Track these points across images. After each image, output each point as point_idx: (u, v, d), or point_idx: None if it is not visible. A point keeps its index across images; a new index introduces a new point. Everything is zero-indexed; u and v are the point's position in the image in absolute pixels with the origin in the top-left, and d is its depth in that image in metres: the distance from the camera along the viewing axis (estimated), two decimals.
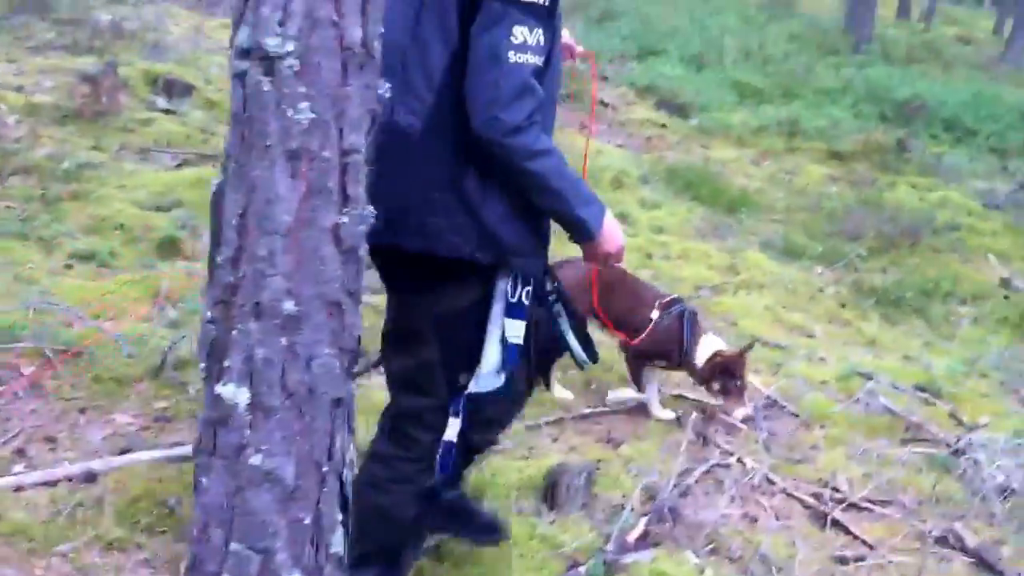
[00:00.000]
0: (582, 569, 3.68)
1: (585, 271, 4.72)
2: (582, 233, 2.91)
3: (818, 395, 5.82)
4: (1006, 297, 8.43)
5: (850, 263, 8.68)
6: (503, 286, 2.92)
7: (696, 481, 4.68)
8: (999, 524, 4.60)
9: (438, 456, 3.04)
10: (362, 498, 2.88)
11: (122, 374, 4.73)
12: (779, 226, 9.45)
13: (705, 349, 5.10)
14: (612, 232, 2.96)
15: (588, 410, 5.25)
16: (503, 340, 2.93)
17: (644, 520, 4.13)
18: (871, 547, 4.37)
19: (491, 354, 2.95)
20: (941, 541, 4.44)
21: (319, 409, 2.41)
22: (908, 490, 4.87)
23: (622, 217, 8.58)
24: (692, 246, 8.25)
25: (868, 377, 6.14)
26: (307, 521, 2.44)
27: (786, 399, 5.73)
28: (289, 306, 2.32)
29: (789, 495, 4.71)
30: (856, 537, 4.44)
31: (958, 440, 5.34)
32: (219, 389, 2.36)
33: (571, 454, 4.71)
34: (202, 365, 2.43)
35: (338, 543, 2.52)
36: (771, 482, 4.79)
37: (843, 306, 7.74)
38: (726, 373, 5.07)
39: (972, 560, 4.28)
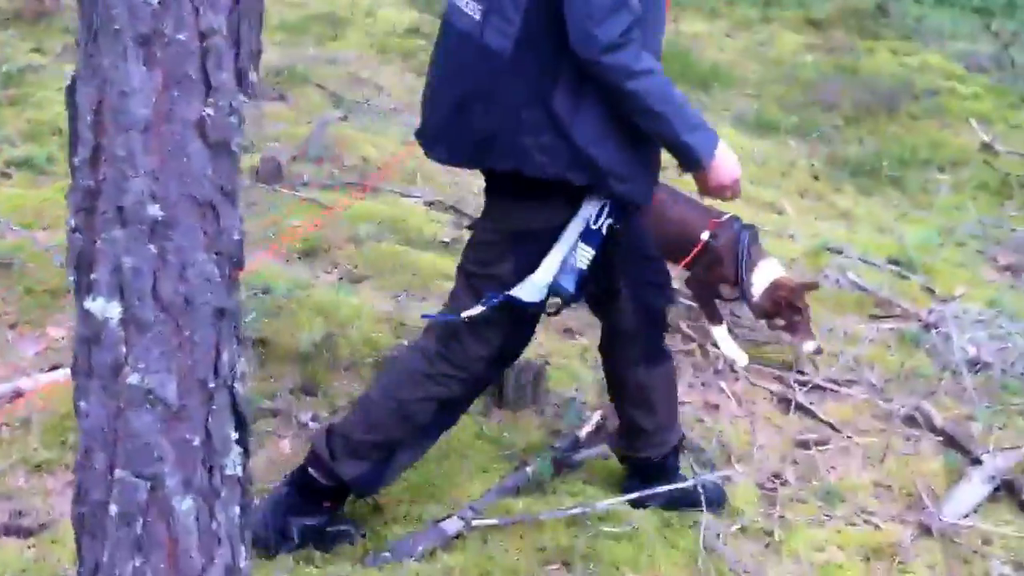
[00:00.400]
0: (529, 469, 3.52)
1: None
2: (689, 161, 2.82)
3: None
4: (986, 162, 8.19)
5: (825, 134, 8.41)
6: (589, 210, 2.89)
7: None
8: (969, 400, 4.45)
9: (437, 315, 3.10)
10: (390, 385, 3.05)
11: (55, 286, 4.51)
12: (752, 100, 9.14)
13: (763, 277, 4.51)
14: (725, 162, 2.87)
15: None
16: (566, 260, 2.91)
17: (598, 414, 3.97)
18: (836, 429, 4.23)
19: (547, 266, 2.93)
20: (908, 420, 4.30)
21: (199, 321, 2.20)
22: (875, 368, 4.71)
23: None
24: None
25: (838, 252, 5.94)
26: (196, 443, 2.24)
27: None
28: (155, 210, 2.09)
29: (752, 381, 4.55)
30: (820, 420, 4.29)
31: (929, 313, 5.17)
32: (88, 304, 2.15)
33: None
34: (70, 278, 2.21)
35: (234, 464, 2.33)
36: (733, 368, 4.62)
37: (816, 179, 7.51)
38: (788, 307, 4.49)
39: (940, 439, 4.13)
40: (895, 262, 6.00)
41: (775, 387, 4.50)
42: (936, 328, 5.03)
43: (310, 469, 3.09)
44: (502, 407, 3.97)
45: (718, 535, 3.42)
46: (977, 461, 3.93)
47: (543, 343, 4.57)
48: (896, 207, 7.29)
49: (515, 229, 2.95)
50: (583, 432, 3.84)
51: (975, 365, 4.69)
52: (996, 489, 3.85)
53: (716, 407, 4.31)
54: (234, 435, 2.35)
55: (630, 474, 3.53)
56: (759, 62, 10.31)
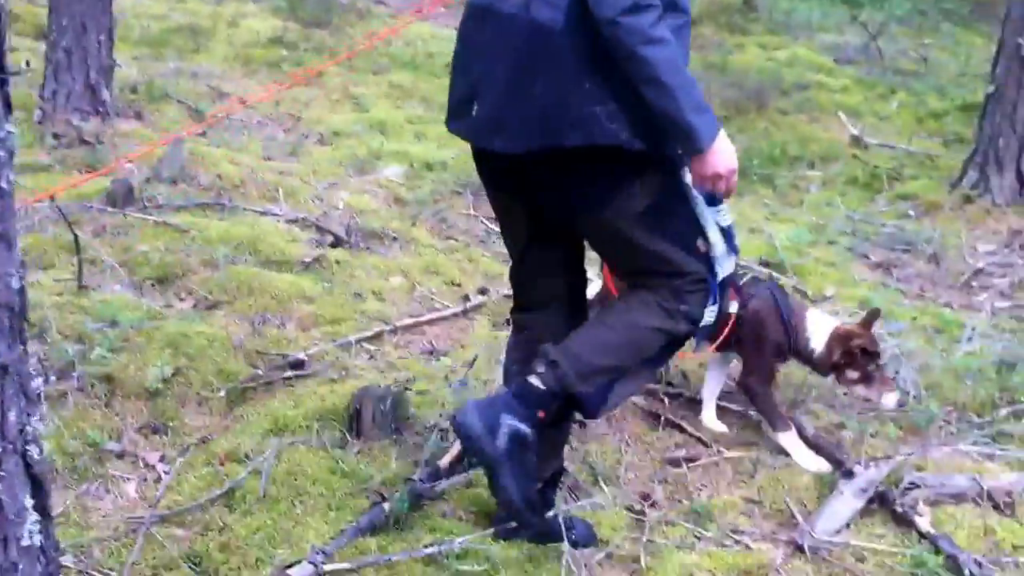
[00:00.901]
0: (386, 505, 3.35)
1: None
2: (690, 142, 2.75)
3: None
4: (855, 156, 8.27)
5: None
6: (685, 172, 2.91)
7: None
8: (840, 407, 4.41)
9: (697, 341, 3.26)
10: (624, 312, 3.01)
11: None
12: None
13: (818, 329, 4.02)
14: (724, 150, 2.79)
15: (410, 320, 4.88)
16: (719, 225, 2.96)
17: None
18: (706, 444, 4.13)
19: (716, 239, 2.97)
20: None
21: None
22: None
23: None
24: None
25: None
26: None
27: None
28: None
29: None
30: (691, 435, 4.20)
31: None
32: None
33: (389, 372, 4.35)
34: None
35: (31, 534, 2.12)
36: None
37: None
38: (863, 355, 3.97)
39: (810, 448, 4.06)
40: (766, 263, 5.98)
41: (644, 401, 4.39)
42: None
43: (538, 375, 2.99)
44: (360, 437, 3.79)
45: (584, 565, 3.29)
46: (849, 473, 3.87)
47: (404, 366, 4.40)
48: (767, 206, 7.29)
49: (635, 212, 2.87)
50: (445, 460, 3.68)
51: None
52: (870, 502, 3.79)
53: (584, 425, 4.19)
54: (30, 502, 2.15)
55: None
56: None
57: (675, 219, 2.94)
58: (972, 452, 4.10)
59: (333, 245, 5.49)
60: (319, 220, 5.71)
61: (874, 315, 4.05)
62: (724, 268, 3.02)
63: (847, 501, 3.74)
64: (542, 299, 3.21)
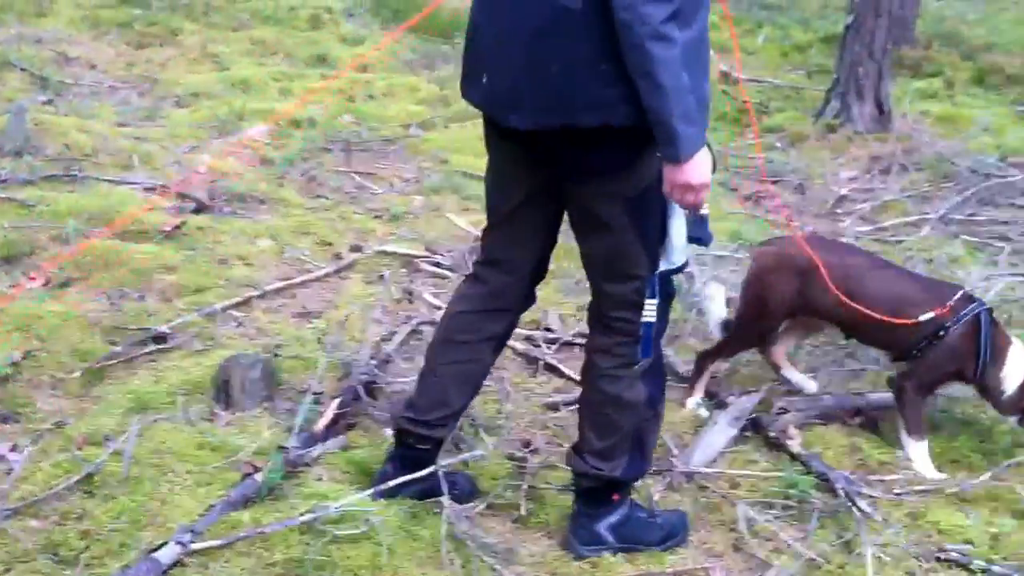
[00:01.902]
0: (258, 476, 3.26)
1: (802, 253, 3.73)
2: (671, 148, 2.69)
3: None
4: (724, 92, 8.34)
5: None
6: None
7: (401, 345, 4.30)
8: (713, 342, 4.44)
9: (640, 341, 3.06)
10: (595, 392, 3.11)
11: None
12: None
13: (1018, 369, 3.72)
14: (701, 164, 2.75)
15: (280, 283, 4.76)
16: (688, 214, 2.99)
17: (336, 403, 3.74)
18: None
19: (679, 228, 3.02)
20: None
21: None
22: None
23: (320, 59, 7.98)
24: (399, 81, 7.74)
25: None
26: None
27: None
28: None
29: None
30: (570, 379, 4.19)
31: None
32: None
33: (258, 339, 4.24)
34: None
35: None
36: None
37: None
38: None
39: (682, 385, 4.09)
40: None
41: (523, 347, 4.37)
42: (687, 266, 5.00)
43: (583, 482, 3.20)
44: (229, 409, 3.69)
45: (465, 518, 3.26)
46: (723, 404, 3.91)
47: (275, 331, 4.30)
48: None
49: (625, 197, 2.87)
50: (320, 425, 3.60)
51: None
52: (743, 430, 3.85)
53: None
54: None
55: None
56: None
57: (652, 216, 2.95)
58: (837, 374, 4.19)
59: (196, 211, 5.33)
60: (179, 186, 5.52)
61: None
62: (674, 259, 3.06)
63: (721, 431, 3.79)
64: (516, 258, 3.21)
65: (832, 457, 3.72)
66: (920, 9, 10.58)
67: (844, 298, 3.69)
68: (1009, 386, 3.72)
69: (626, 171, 2.84)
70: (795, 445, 3.71)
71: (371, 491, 3.26)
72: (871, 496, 3.53)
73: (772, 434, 3.78)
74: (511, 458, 3.66)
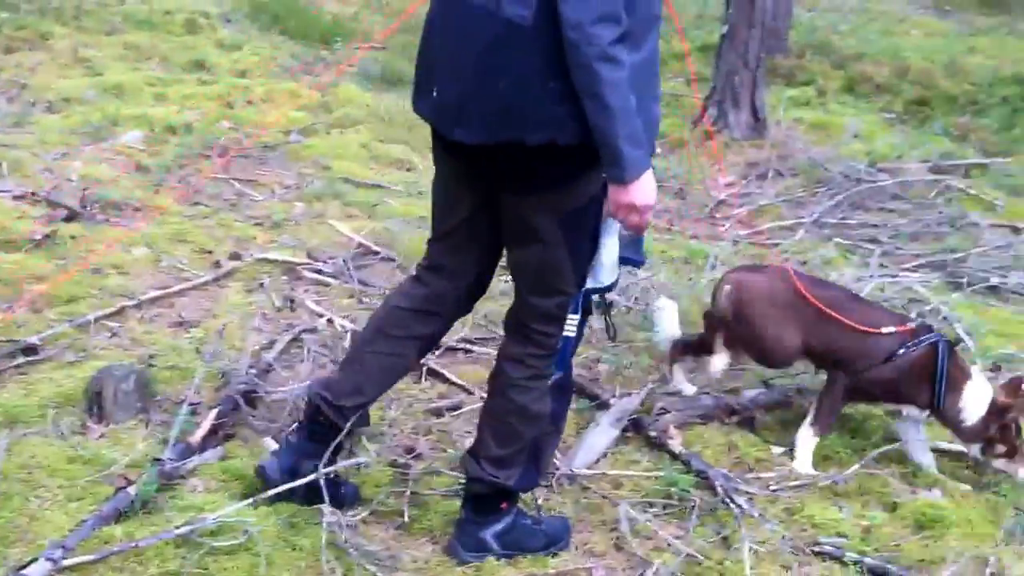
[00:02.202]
0: (132, 489, 3.18)
1: (786, 283, 3.86)
2: (617, 170, 2.73)
3: (416, 233, 5.48)
4: None
5: None
6: None
7: (281, 354, 4.24)
8: (596, 341, 4.49)
9: (556, 354, 3.10)
10: (502, 400, 3.11)
11: None
12: (377, 53, 8.97)
13: (975, 399, 3.82)
14: (645, 186, 2.78)
15: (156, 292, 4.65)
16: (621, 232, 2.98)
17: (214, 413, 3.67)
18: (469, 392, 4.14)
19: (610, 248, 3.01)
20: None
21: None
22: None
23: (197, 64, 7.84)
24: (279, 87, 7.64)
25: None
26: None
27: (381, 244, 5.37)
28: None
29: None
30: (454, 383, 4.19)
31: None
32: None
33: (133, 349, 4.14)
34: None
35: None
36: None
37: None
38: (1016, 430, 3.84)
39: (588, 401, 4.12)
40: None
41: None
42: None
43: (475, 487, 3.19)
44: (102, 421, 3.59)
45: (347, 526, 3.23)
46: (604, 405, 3.95)
47: (150, 341, 4.20)
48: None
49: (564, 211, 2.89)
50: (197, 436, 3.53)
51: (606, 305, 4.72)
52: (625, 430, 3.89)
53: None
54: None
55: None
56: (382, 13, 10.16)
57: (584, 234, 2.96)
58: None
59: (67, 219, 5.18)
60: (50, 193, 5.37)
61: (1019, 381, 3.87)
62: (602, 278, 3.05)
63: (604, 432, 3.84)
64: (457, 268, 3.22)
65: (711, 455, 3.79)
66: (793, 20, 10.87)
67: (854, 324, 3.80)
68: (969, 416, 3.80)
69: (565, 187, 2.86)
70: (675, 445, 3.78)
71: (248, 501, 3.21)
72: (748, 492, 3.61)
73: (653, 434, 3.84)
74: (394, 465, 3.64)
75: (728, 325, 3.92)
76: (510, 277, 3.16)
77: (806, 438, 3.85)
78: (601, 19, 2.60)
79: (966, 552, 3.36)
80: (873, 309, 4.04)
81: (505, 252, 3.12)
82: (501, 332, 4.42)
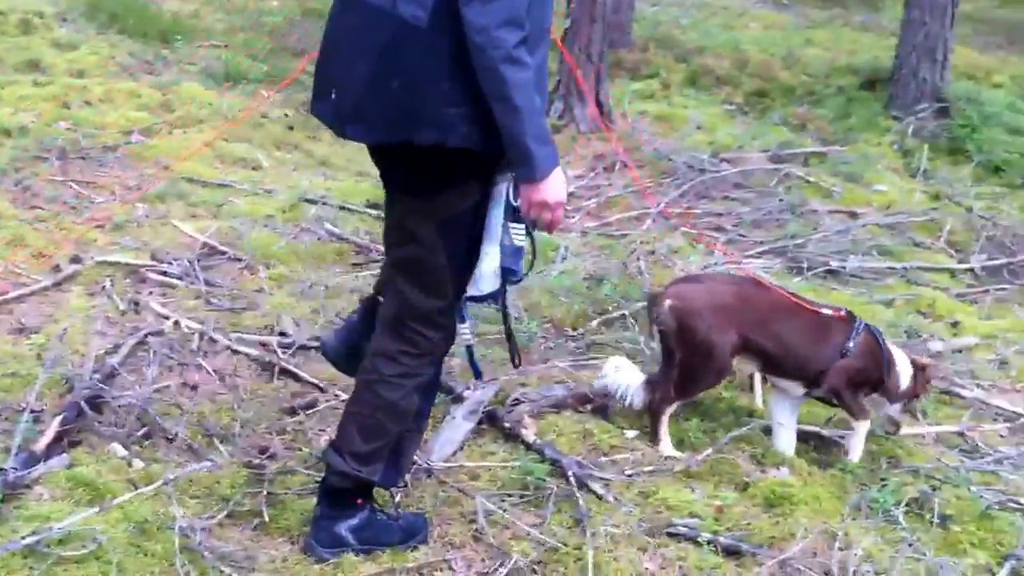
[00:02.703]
0: None
1: (726, 288, 3.93)
2: (526, 168, 2.80)
3: (262, 232, 5.42)
4: None
5: (298, 81, 8.23)
6: (503, 188, 2.95)
7: (126, 357, 4.13)
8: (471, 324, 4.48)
9: (470, 364, 3.23)
10: (372, 395, 3.12)
11: None
12: (219, 51, 8.78)
13: (904, 368, 4.08)
14: (556, 183, 2.86)
15: None
16: (503, 243, 2.99)
17: (58, 419, 3.55)
18: (322, 390, 4.10)
19: (491, 256, 3.01)
20: None
21: None
22: None
23: (32, 65, 7.56)
24: (118, 86, 7.41)
25: (318, 202, 5.83)
26: None
27: (226, 243, 5.27)
28: None
29: (234, 351, 4.32)
30: (307, 382, 4.15)
31: None
32: None
33: None
34: None
35: None
36: (213, 340, 4.36)
37: (291, 129, 7.34)
38: (927, 385, 4.21)
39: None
40: (374, 206, 5.99)
41: (257, 352, 4.29)
42: None
43: (335, 480, 3.18)
44: None
45: (201, 529, 3.17)
46: (459, 399, 3.97)
47: None
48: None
49: (441, 217, 2.94)
50: (41, 444, 3.42)
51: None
52: (480, 422, 3.92)
53: (195, 388, 4.03)
54: None
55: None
56: (223, 11, 9.96)
57: (463, 241, 3.00)
58: (568, 363, 4.33)
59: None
60: None
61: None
62: (482, 286, 3.07)
63: (459, 425, 3.85)
64: None
65: (565, 443, 3.84)
66: (635, 14, 11.08)
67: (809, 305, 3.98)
68: (904, 380, 4.04)
69: (446, 193, 2.90)
70: (530, 435, 3.81)
71: (96, 509, 3.12)
72: (603, 478, 3.66)
73: (508, 425, 3.87)
74: (248, 465, 3.59)
75: (672, 339, 3.89)
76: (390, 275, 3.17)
77: (862, 428, 4.03)
78: (506, 23, 2.65)
79: (815, 528, 3.46)
80: (804, 307, 4.07)
81: (392, 247, 3.16)
82: None
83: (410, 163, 2.86)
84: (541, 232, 3.09)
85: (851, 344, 3.97)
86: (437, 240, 2.96)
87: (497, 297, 3.12)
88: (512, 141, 2.76)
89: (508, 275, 3.07)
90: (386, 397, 3.11)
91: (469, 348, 3.18)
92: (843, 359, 3.97)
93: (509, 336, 3.27)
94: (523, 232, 3.01)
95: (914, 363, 4.11)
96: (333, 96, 2.90)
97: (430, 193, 2.90)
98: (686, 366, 3.87)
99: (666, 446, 3.90)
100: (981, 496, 3.73)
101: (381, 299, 3.25)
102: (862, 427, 4.03)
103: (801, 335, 3.96)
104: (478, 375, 3.30)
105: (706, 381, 3.94)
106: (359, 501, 3.22)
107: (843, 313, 4.06)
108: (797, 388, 4.02)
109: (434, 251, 2.98)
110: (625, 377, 3.95)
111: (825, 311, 4.05)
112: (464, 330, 3.13)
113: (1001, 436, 4.42)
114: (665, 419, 3.90)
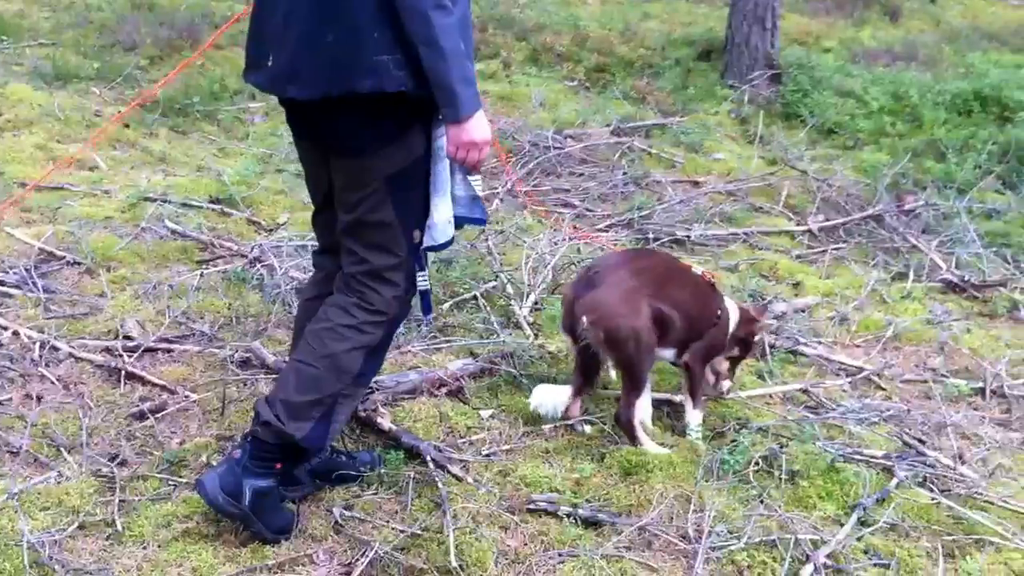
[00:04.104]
0: None
1: (624, 272, 3.84)
2: (452, 108, 2.92)
3: (102, 234, 5.25)
4: None
5: (130, 77, 8.02)
6: (443, 137, 3.05)
7: None
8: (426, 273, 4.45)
9: (420, 303, 3.28)
10: (318, 343, 3.16)
11: None
12: (47, 50, 8.45)
13: (734, 312, 4.18)
14: (481, 122, 2.98)
15: None
16: (455, 192, 3.14)
17: None
18: (171, 391, 4.01)
19: (443, 207, 3.14)
20: (243, 364, 4.20)
21: None
22: (206, 317, 4.56)
23: None
24: None
25: (159, 200, 5.68)
26: None
27: (64, 248, 5.09)
28: None
29: (77, 358, 4.18)
30: (155, 384, 4.05)
31: (252, 249, 5.11)
32: None
33: None
34: None
35: None
36: (56, 349, 4.22)
37: (127, 126, 7.12)
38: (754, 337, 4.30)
39: (274, 376, 4.08)
40: (217, 201, 5.88)
41: (102, 358, 4.17)
42: (261, 262, 4.99)
43: (260, 432, 3.16)
44: None
45: (50, 543, 3.07)
46: None
47: None
48: (213, 143, 7.17)
49: (386, 174, 3.04)
50: None
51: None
52: None
53: (40, 399, 3.90)
54: None
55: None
56: (50, 8, 9.59)
57: (412, 195, 3.12)
58: (421, 348, 4.34)
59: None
60: None
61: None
62: (436, 235, 3.17)
63: None
64: (339, 243, 3.27)
65: (422, 428, 3.85)
66: None
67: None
68: (732, 327, 4.16)
69: (389, 148, 3.02)
70: (385, 422, 3.80)
71: None
72: (462, 460, 3.69)
73: (363, 414, 3.84)
74: (98, 474, 3.50)
75: (601, 349, 3.81)
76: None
77: (696, 417, 4.05)
78: None
79: (670, 493, 3.55)
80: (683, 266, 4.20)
81: (339, 214, 3.20)
82: (200, 329, 4.40)
83: (349, 120, 2.98)
84: (458, 176, 3.17)
85: (719, 310, 4.07)
86: (386, 198, 3.08)
87: (449, 246, 3.30)
88: (438, 83, 2.88)
89: (471, 223, 3.30)
90: (331, 347, 3.16)
91: (425, 291, 3.26)
92: (715, 325, 4.05)
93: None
94: (479, 181, 3.20)
95: (743, 312, 4.20)
96: (270, 64, 3.02)
97: (372, 150, 3.02)
98: (626, 365, 3.82)
99: (651, 445, 3.85)
100: (826, 450, 3.87)
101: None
102: (698, 414, 4.08)
103: (692, 299, 4.00)
104: (427, 311, 3.33)
105: (646, 366, 3.87)
106: (277, 466, 3.22)
107: (708, 276, 4.13)
108: (672, 354, 4.04)
109: (383, 210, 3.09)
110: (553, 398, 3.90)
111: (699, 273, 4.12)
112: (422, 276, 3.21)
113: (844, 391, 4.59)
114: (637, 423, 3.85)
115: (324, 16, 2.89)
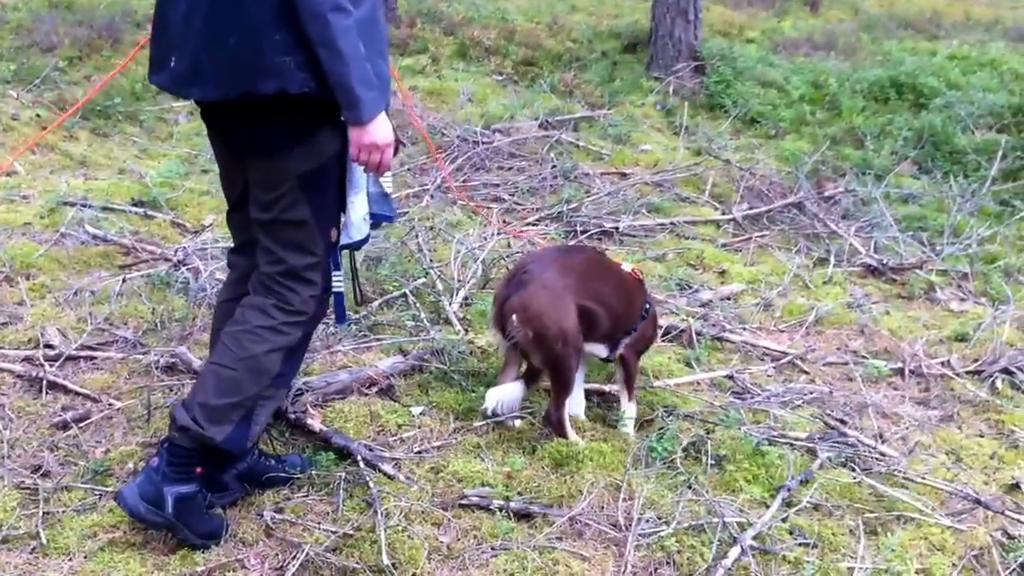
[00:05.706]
0: None
1: (554, 271, 3.84)
2: (354, 111, 2.90)
3: (20, 241, 5.16)
4: None
5: (48, 79, 7.87)
6: None
7: None
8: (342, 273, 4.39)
9: (335, 310, 3.30)
10: (236, 346, 3.12)
11: None
12: None
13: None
14: (383, 125, 2.96)
15: None
16: (369, 190, 3.19)
17: None
18: (95, 400, 3.95)
19: (359, 204, 3.18)
20: (168, 370, 4.16)
21: None
22: (129, 323, 4.50)
23: None
24: None
25: (79, 205, 5.59)
26: None
27: None
28: None
29: None
30: (78, 393, 3.99)
31: (176, 252, 5.05)
32: None
33: None
34: None
35: None
36: None
37: (45, 129, 6.99)
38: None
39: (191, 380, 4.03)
40: (139, 203, 5.81)
41: (22, 368, 4.09)
42: (185, 265, 4.94)
43: (176, 437, 3.13)
44: None
45: None
46: None
47: None
48: (136, 143, 7.07)
49: (299, 173, 3.03)
50: None
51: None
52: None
53: None
54: None
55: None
56: None
57: (327, 194, 3.11)
58: (351, 347, 4.32)
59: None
60: None
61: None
62: (352, 233, 3.22)
63: None
64: (254, 241, 3.24)
65: (353, 428, 3.83)
66: None
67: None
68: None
69: (300, 147, 3.00)
70: (315, 423, 3.79)
71: None
72: (393, 458, 3.68)
73: (293, 415, 3.82)
74: (20, 487, 3.44)
75: (530, 347, 3.81)
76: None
77: (632, 409, 4.09)
78: None
79: (600, 482, 3.59)
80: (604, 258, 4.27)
81: (255, 213, 3.16)
82: (124, 335, 4.34)
83: (257, 121, 2.96)
84: (371, 174, 3.18)
85: (647, 304, 4.12)
86: (301, 196, 3.06)
87: (367, 243, 3.30)
88: (338, 85, 2.87)
89: (380, 219, 3.29)
90: (250, 349, 3.13)
91: (339, 294, 3.25)
92: (643, 320, 4.10)
93: (354, 275, 3.51)
94: (390, 179, 3.21)
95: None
96: (173, 64, 2.99)
97: (284, 150, 3.00)
98: (554, 365, 3.80)
99: (583, 443, 3.85)
100: (752, 434, 3.93)
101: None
102: (633, 407, 4.12)
103: (618, 296, 4.02)
104: (340, 319, 3.39)
105: (574, 366, 3.84)
106: (198, 470, 3.19)
107: (636, 273, 4.16)
108: (603, 350, 4.06)
109: (298, 209, 3.07)
110: (508, 395, 3.87)
111: (627, 269, 4.15)
112: (337, 276, 3.21)
113: (768, 375, 4.67)
114: (566, 420, 3.86)
115: (225, 18, 2.87)
